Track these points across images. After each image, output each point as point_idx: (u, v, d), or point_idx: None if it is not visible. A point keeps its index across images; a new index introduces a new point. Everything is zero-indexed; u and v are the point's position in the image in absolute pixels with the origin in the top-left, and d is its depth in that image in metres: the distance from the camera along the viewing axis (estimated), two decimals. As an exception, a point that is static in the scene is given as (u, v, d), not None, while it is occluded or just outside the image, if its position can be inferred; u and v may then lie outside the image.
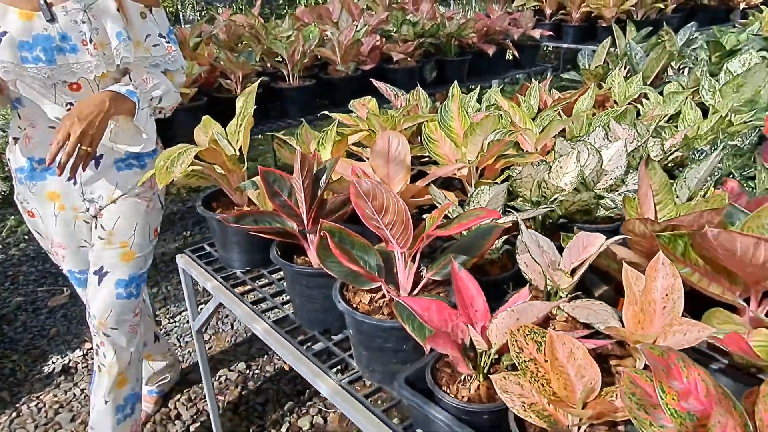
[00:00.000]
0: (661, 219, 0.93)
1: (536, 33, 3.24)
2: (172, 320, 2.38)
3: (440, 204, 1.04)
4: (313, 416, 1.88)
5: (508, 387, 0.66)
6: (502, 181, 1.14)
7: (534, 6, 4.31)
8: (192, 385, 2.00)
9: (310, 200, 1.01)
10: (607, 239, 0.86)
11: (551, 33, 3.66)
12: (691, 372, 0.52)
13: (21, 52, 1.17)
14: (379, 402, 0.91)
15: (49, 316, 2.44)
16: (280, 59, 2.57)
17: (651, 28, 2.25)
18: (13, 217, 3.33)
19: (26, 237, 3.19)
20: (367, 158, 1.33)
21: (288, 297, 1.15)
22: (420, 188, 1.11)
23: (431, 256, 1.04)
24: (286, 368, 2.08)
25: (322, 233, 0.91)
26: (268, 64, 2.67)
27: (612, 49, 2.25)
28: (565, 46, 4.24)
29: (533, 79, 1.98)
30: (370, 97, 1.55)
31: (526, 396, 0.66)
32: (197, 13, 7.75)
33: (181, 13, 7.65)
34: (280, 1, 9.63)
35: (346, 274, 0.91)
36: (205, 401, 1.93)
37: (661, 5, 4.11)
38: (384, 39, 2.90)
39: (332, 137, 1.24)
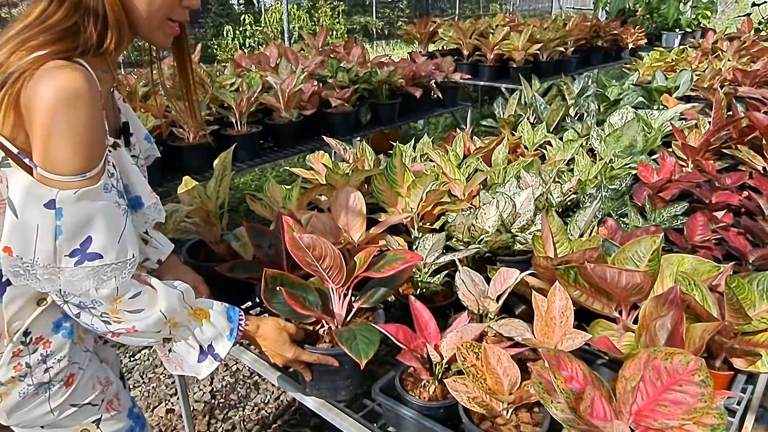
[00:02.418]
0: (560, 254, 1.24)
1: (456, 76, 3.62)
2: (132, 359, 2.49)
3: (392, 248, 1.30)
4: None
5: (457, 387, 0.92)
6: (440, 227, 1.43)
7: (453, 47, 4.75)
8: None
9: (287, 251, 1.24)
10: (521, 271, 1.15)
11: (469, 76, 4.08)
12: (573, 364, 0.80)
13: None
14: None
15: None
16: (227, 106, 2.77)
17: (552, 82, 2.64)
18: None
19: None
20: (328, 209, 1.59)
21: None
22: (375, 235, 1.38)
23: (358, 285, 1.19)
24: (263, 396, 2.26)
25: (265, 278, 1.07)
26: (213, 109, 2.86)
27: (522, 96, 2.63)
28: (481, 83, 4.69)
29: (458, 128, 2.30)
30: (322, 152, 1.80)
31: (470, 392, 0.92)
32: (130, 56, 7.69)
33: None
34: (209, 36, 9.74)
35: (289, 312, 1.07)
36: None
37: (562, 48, 4.65)
38: (321, 84, 3.17)
39: (297, 193, 1.48)
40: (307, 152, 2.95)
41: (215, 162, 1.48)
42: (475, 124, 3.14)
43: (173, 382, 2.33)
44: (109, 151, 0.95)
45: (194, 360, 1.02)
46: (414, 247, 1.32)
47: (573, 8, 13.86)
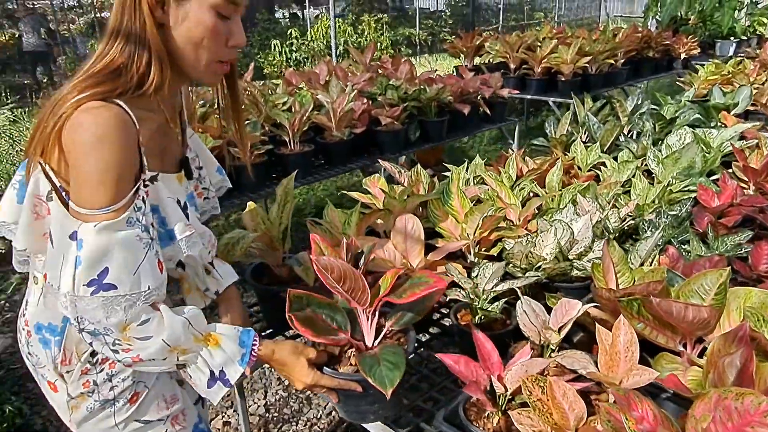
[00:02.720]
0: (621, 284, 1.24)
1: (504, 92, 3.62)
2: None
3: (452, 275, 1.33)
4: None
5: (522, 420, 0.94)
6: (498, 253, 1.45)
7: (499, 61, 4.75)
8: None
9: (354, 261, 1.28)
10: (579, 298, 1.16)
11: (517, 90, 4.06)
12: (644, 404, 0.81)
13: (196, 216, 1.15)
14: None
15: (71, 371, 2.61)
16: (280, 125, 2.85)
17: (605, 101, 2.62)
18: (18, 275, 3.48)
19: (33, 294, 3.34)
20: (384, 232, 1.62)
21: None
22: (434, 262, 1.40)
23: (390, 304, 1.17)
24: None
25: (289, 298, 1.04)
26: (267, 128, 2.95)
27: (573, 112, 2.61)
28: (528, 97, 4.66)
29: (508, 147, 2.31)
30: (378, 175, 1.84)
31: (535, 426, 0.94)
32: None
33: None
34: (256, 50, 10.03)
35: (314, 334, 1.04)
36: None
37: (612, 61, 4.58)
38: (370, 101, 3.23)
39: (356, 219, 1.52)
40: (357, 169, 3.01)
41: (278, 188, 1.54)
42: (526, 143, 3.12)
43: (229, 394, 2.41)
44: (146, 186, 1.00)
45: (204, 386, 1.04)
46: (473, 274, 1.34)
47: (621, 16, 13.57)
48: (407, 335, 1.15)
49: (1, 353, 2.75)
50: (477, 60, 5.14)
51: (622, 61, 4.78)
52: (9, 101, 4.58)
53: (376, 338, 1.11)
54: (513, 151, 3.97)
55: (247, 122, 2.82)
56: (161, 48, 0.98)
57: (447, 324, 1.51)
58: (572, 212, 1.54)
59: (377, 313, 1.09)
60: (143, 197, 0.98)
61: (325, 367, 1.07)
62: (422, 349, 1.42)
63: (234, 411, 2.28)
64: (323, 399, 2.35)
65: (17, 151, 4.38)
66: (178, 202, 1.10)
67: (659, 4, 6.87)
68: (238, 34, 1.03)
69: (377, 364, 0.99)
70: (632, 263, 1.36)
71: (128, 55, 0.97)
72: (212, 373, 1.03)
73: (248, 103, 3.14)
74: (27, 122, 4.66)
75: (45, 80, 9.92)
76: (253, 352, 1.06)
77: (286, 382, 2.46)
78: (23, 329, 1.13)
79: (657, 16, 7.08)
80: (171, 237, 1.08)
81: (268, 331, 1.52)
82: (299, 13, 17.75)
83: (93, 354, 1.10)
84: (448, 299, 1.61)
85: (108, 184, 0.90)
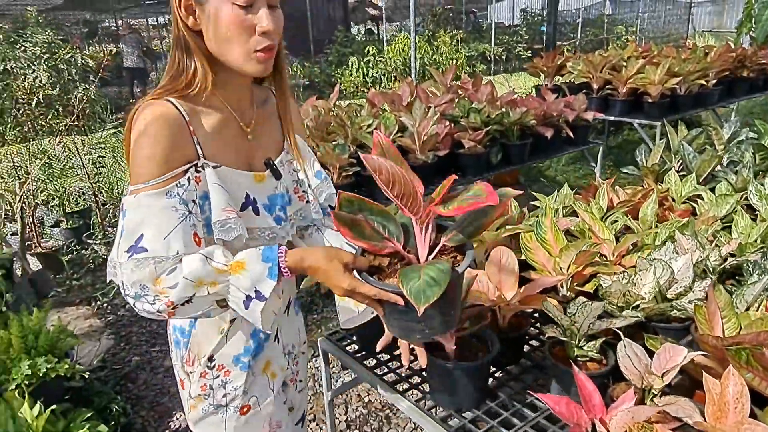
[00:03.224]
0: (727, 330, 1.21)
1: (589, 115, 3.56)
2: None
3: (549, 312, 1.34)
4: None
5: (627, 466, 0.95)
6: (594, 290, 1.45)
7: (582, 81, 4.66)
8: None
9: (450, 309, 1.32)
10: (681, 342, 1.14)
11: (601, 113, 3.98)
12: (762, 464, 0.80)
13: (270, 216, 1.18)
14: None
15: (166, 375, 2.79)
16: (364, 146, 2.95)
17: (701, 129, 2.53)
18: (118, 279, 3.76)
19: (131, 298, 3.60)
20: (475, 260, 1.66)
21: (417, 378, 1.46)
22: (529, 296, 1.42)
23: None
24: None
25: (339, 201, 1.01)
26: (352, 149, 3.05)
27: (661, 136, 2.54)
28: (612, 118, 4.55)
29: (599, 177, 2.28)
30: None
31: (640, 473, 0.94)
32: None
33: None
34: (333, 66, 10.33)
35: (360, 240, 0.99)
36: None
37: (703, 81, 4.40)
38: (452, 124, 3.27)
39: (450, 248, 1.57)
40: (439, 192, 3.05)
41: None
42: (609, 167, 3.06)
43: (312, 408, 2.50)
44: (198, 171, 1.07)
45: (243, 309, 1.03)
46: (569, 310, 1.35)
47: (711, 30, 12.93)
48: (465, 254, 1.03)
49: (104, 354, 2.98)
50: (558, 79, 5.07)
51: (714, 81, 4.57)
52: (112, 117, 4.96)
53: (430, 254, 1.03)
54: (596, 174, 3.89)
55: (335, 143, 2.94)
56: (200, 52, 1.05)
57: (534, 353, 1.52)
58: (671, 250, 1.52)
59: (430, 225, 1.00)
60: (190, 178, 1.05)
61: (369, 276, 1.01)
62: (513, 382, 1.44)
63: (317, 425, 2.37)
64: (403, 418, 2.39)
65: (119, 163, 4.73)
66: (247, 197, 1.14)
67: (753, 20, 6.52)
68: (265, 21, 1.02)
69: (417, 277, 0.91)
70: (738, 307, 1.32)
71: (178, 62, 1.07)
72: (247, 296, 1.02)
73: (335, 125, 3.26)
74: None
75: (141, 94, 10.62)
76: (280, 263, 1.04)
77: (367, 399, 2.53)
78: (168, 327, 1.27)
79: (751, 33, 6.71)
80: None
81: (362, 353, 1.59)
82: (374, 29, 18.13)
83: (210, 359, 1.21)
84: (536, 330, 1.64)
85: (150, 163, 1.00)
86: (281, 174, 1.22)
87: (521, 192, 1.10)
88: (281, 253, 1.05)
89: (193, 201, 1.05)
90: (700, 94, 4.49)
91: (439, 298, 0.91)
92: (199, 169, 1.08)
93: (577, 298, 1.40)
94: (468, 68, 10.35)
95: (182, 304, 1.00)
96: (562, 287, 1.53)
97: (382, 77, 9.04)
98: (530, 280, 1.50)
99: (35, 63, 5.24)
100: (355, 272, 1.04)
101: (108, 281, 1.21)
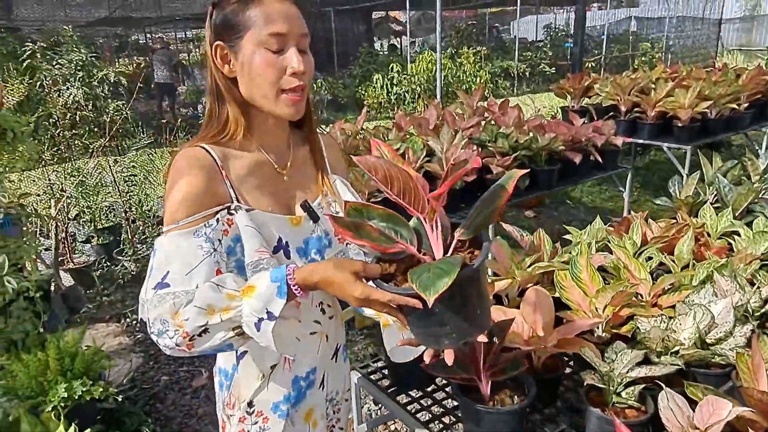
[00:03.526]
0: (771, 381, 1.19)
1: (618, 140, 3.54)
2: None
3: (587, 358, 1.33)
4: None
5: None
6: (632, 334, 1.43)
7: (609, 103, 4.63)
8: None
9: (486, 352, 1.32)
10: (721, 390, 1.12)
11: (630, 138, 3.95)
12: None
13: (303, 259, 1.17)
14: None
15: (194, 396, 2.82)
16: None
17: (736, 161, 2.50)
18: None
19: (160, 316, 3.65)
20: (506, 295, 1.66)
21: (450, 417, 1.46)
22: (565, 339, 1.41)
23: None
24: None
25: (346, 210, 1.00)
26: (380, 174, 3.07)
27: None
28: (640, 141, 4.50)
29: (627, 202, 2.26)
30: (500, 239, 1.88)
31: None
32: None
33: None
34: (357, 81, 10.42)
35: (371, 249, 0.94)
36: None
37: (734, 105, 4.34)
38: (480, 148, 3.27)
39: (484, 286, 1.57)
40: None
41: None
42: (644, 194, 3.02)
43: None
44: (231, 214, 1.09)
45: (255, 332, 1.00)
46: (606, 355, 1.33)
47: (740, 48, 12.74)
48: (482, 248, 0.98)
49: (134, 373, 3.03)
50: (584, 100, 5.04)
51: (746, 104, 4.50)
52: (144, 136, 5.07)
53: (445, 253, 0.98)
54: (624, 198, 3.84)
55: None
56: (233, 100, 1.11)
57: (567, 393, 1.50)
58: (710, 293, 1.50)
59: (440, 222, 0.97)
60: (219, 219, 1.07)
61: (383, 282, 0.97)
62: (548, 425, 1.43)
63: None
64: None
65: (149, 180, 4.83)
66: (280, 240, 1.13)
67: (786, 40, 6.41)
68: (296, 62, 1.06)
69: (427, 271, 0.87)
70: (782, 357, 1.29)
71: (213, 110, 1.14)
72: (259, 319, 0.99)
73: (363, 149, 3.29)
74: (159, 156, 5.13)
75: (168, 109, 10.82)
76: (289, 281, 1.00)
77: (393, 428, 2.52)
78: (214, 369, 1.29)
79: (783, 52, 6.60)
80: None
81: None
82: (396, 43, 18.26)
83: (250, 404, 1.21)
84: (568, 370, 1.62)
85: (181, 205, 1.05)
86: (318, 217, 1.20)
87: (527, 170, 1.06)
88: (290, 271, 1.02)
89: (219, 240, 1.07)
90: (731, 117, 4.42)
91: (456, 294, 0.88)
92: (232, 212, 1.09)
93: (614, 342, 1.39)
94: (491, 85, 10.34)
95: (199, 335, 0.98)
96: (598, 328, 1.52)
97: (406, 94, 9.08)
98: (565, 320, 1.49)
99: (69, 80, 5.40)
100: (371, 282, 1.01)
101: (137, 298, 1.26)
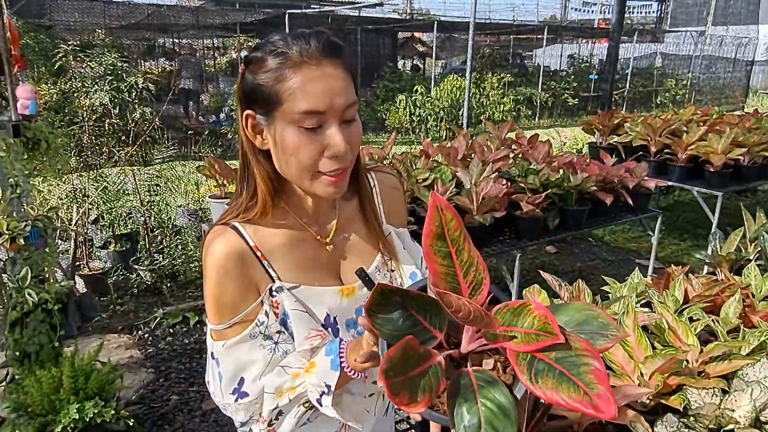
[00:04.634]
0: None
1: (651, 183, 3.46)
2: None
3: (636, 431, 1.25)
4: None
5: None
6: (683, 408, 1.35)
7: (639, 143, 4.56)
8: None
9: (528, 418, 1.25)
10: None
11: (663, 183, 3.87)
12: None
13: (353, 330, 1.09)
14: None
15: (203, 420, 2.75)
16: (417, 199, 2.91)
17: (782, 219, 2.41)
18: (160, 309, 3.77)
19: (171, 330, 3.60)
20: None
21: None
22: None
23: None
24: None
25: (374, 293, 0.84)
26: (408, 202, 3.02)
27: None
28: (670, 184, 4.42)
29: (672, 266, 2.18)
30: (539, 288, 1.80)
31: None
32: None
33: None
34: (380, 101, 10.43)
35: (392, 335, 0.82)
36: None
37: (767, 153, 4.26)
38: (509, 183, 3.21)
39: (524, 341, 1.50)
40: (494, 255, 2.98)
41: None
42: (668, 236, 2.94)
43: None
44: (273, 295, 1.02)
45: (320, 407, 0.99)
46: (654, 429, 1.26)
47: (766, 92, 12.63)
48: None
49: (143, 390, 2.97)
50: (613, 138, 4.98)
51: (780, 153, 4.41)
52: (169, 144, 5.07)
53: (473, 351, 0.84)
54: (652, 243, 3.75)
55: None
56: (264, 174, 1.00)
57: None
58: (765, 367, 1.42)
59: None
60: (267, 311, 1.01)
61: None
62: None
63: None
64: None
65: (171, 189, 4.81)
66: (327, 318, 1.06)
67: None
68: (333, 143, 0.92)
69: (472, 397, 0.71)
70: None
71: (242, 176, 1.04)
72: (321, 393, 0.98)
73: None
74: (183, 166, 5.12)
75: (193, 114, 10.90)
76: (341, 354, 0.97)
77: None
78: None
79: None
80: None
81: None
82: (420, 64, 18.35)
83: None
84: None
85: (222, 307, 1.01)
86: (374, 284, 1.12)
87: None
88: (343, 346, 0.98)
89: (278, 332, 1.04)
90: (765, 165, 4.33)
91: None
92: (274, 293, 1.02)
93: (659, 411, 1.31)
94: (513, 113, 10.30)
95: (276, 419, 1.02)
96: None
97: (428, 117, 9.05)
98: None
99: (98, 83, 5.43)
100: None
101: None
